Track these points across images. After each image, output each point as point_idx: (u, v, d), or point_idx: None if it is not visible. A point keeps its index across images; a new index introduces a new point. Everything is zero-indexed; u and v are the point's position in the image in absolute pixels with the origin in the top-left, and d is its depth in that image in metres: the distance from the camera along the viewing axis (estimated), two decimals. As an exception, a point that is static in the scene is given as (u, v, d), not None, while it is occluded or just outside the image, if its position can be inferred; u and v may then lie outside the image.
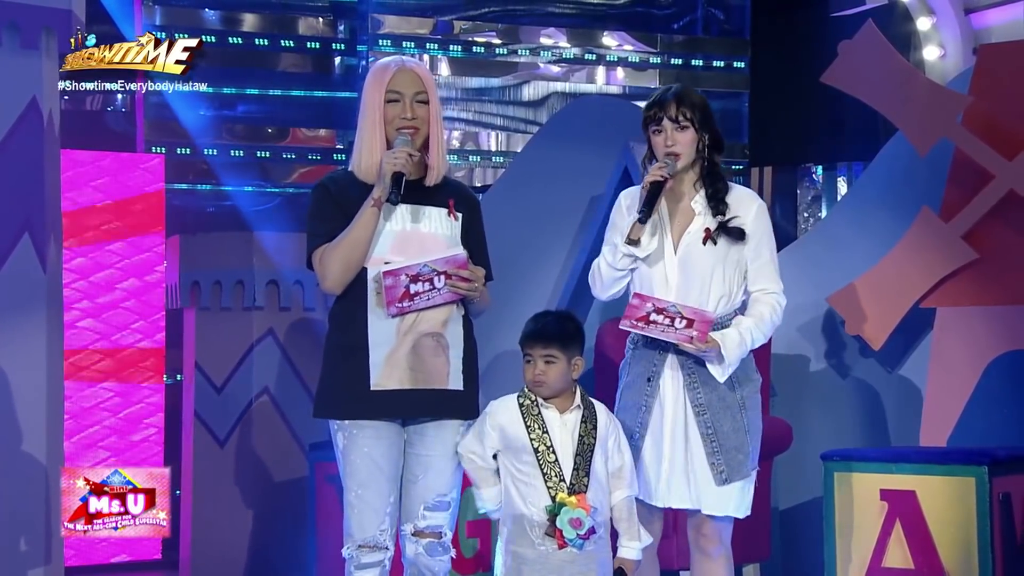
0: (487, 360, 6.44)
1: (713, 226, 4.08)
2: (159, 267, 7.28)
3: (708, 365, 4.05)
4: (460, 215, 4.01)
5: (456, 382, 3.96)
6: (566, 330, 3.99)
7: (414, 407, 3.93)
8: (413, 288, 3.82)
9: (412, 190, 3.95)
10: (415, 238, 3.93)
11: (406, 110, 3.95)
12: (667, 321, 3.96)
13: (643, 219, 4.02)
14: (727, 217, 4.08)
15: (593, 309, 6.30)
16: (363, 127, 3.99)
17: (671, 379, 4.08)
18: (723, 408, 4.07)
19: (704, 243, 4.07)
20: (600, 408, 4.00)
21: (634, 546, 3.97)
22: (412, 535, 3.96)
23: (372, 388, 3.90)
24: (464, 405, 3.99)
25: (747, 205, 4.12)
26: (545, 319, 4.02)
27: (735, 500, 4.10)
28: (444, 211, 3.99)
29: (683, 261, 4.08)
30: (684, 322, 3.95)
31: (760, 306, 4.12)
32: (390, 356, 3.89)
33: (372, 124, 3.97)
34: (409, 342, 3.90)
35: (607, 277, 4.13)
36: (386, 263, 3.88)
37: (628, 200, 4.18)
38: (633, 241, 4.04)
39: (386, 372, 3.90)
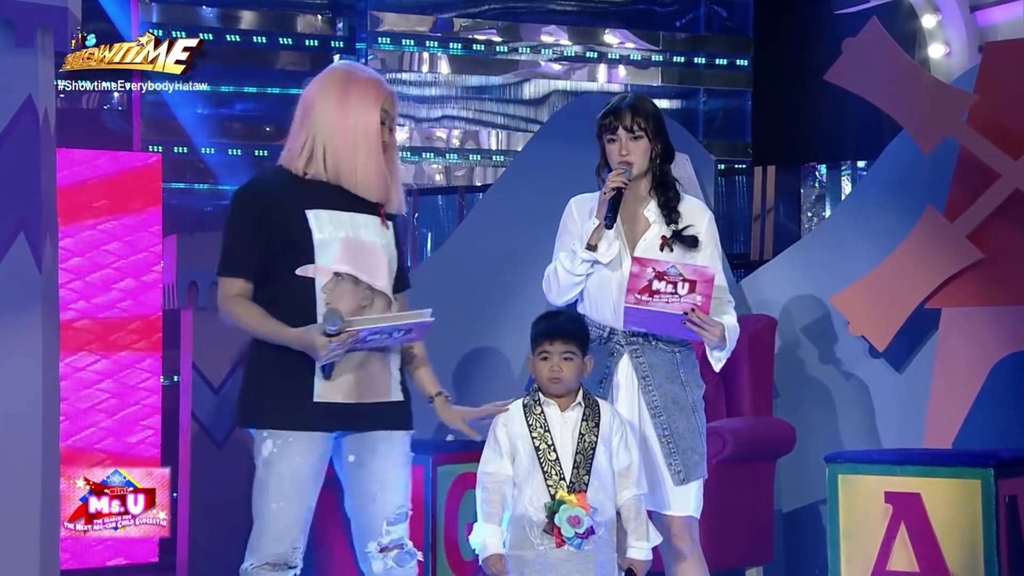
0: (486, 360, 6.42)
1: (668, 234, 4.16)
2: (156, 267, 7.23)
3: (708, 353, 4.10)
4: (391, 224, 3.97)
5: (397, 393, 3.92)
6: (581, 328, 4.01)
7: (357, 420, 3.87)
8: (370, 338, 3.77)
9: (348, 198, 3.88)
10: (356, 245, 3.86)
11: (385, 133, 3.91)
12: (670, 288, 3.96)
13: (608, 225, 4.08)
14: (681, 226, 4.16)
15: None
16: (355, 140, 3.86)
17: (625, 381, 4.13)
18: (678, 410, 4.12)
19: (661, 250, 4.13)
20: (604, 407, 3.99)
21: (643, 546, 3.95)
22: (379, 552, 3.90)
23: (315, 400, 3.82)
24: (406, 415, 3.95)
25: (699, 216, 4.21)
26: (558, 318, 4.02)
27: (694, 500, 4.15)
28: (378, 219, 3.93)
29: None
30: (687, 286, 3.96)
31: (724, 305, 4.16)
32: (336, 368, 3.82)
33: (368, 138, 3.86)
34: (358, 355, 3.83)
35: (564, 283, 4.17)
36: (336, 273, 3.80)
37: (579, 206, 4.25)
38: (592, 247, 4.10)
39: (331, 384, 3.82)
